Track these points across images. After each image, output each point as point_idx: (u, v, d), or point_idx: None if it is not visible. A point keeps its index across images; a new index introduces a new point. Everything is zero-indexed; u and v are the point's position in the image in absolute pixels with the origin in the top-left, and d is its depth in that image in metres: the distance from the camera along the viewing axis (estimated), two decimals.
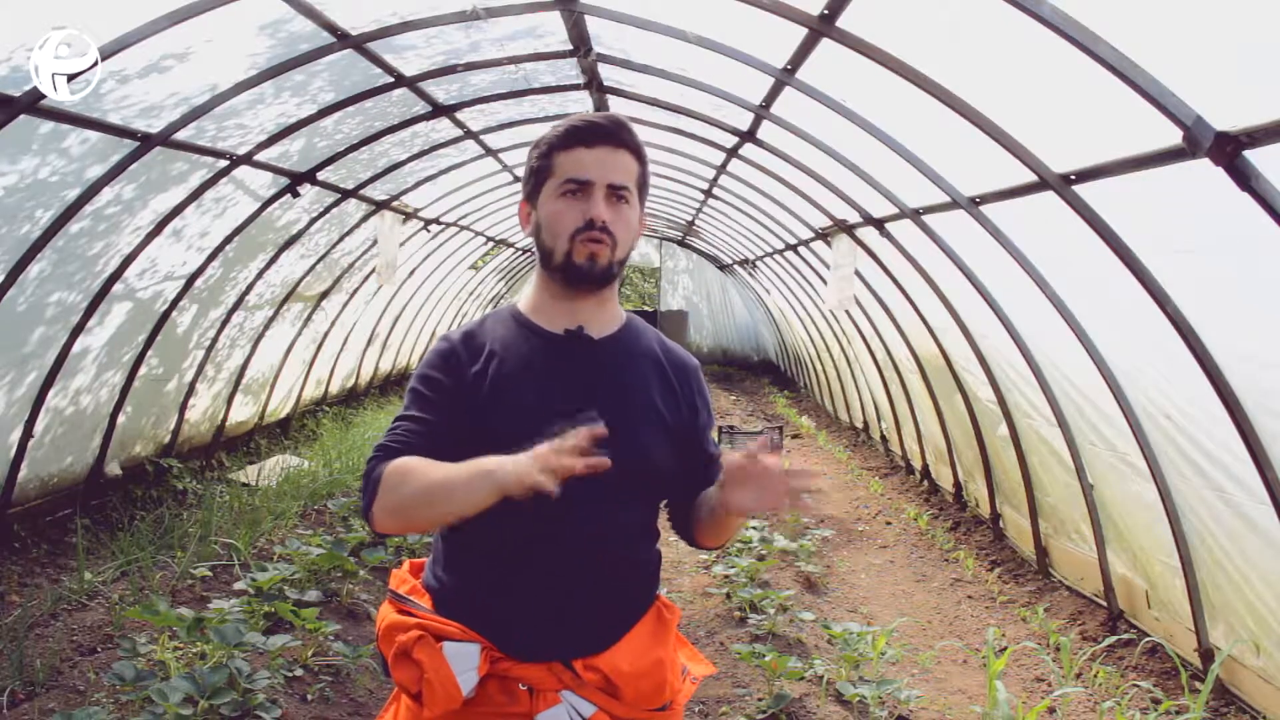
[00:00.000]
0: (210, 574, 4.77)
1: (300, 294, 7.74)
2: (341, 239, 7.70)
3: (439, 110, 6.04)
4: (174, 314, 5.86)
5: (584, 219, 1.57)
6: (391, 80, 5.22)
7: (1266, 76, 2.43)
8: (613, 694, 1.59)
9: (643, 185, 1.66)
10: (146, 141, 4.32)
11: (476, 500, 1.40)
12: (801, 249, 8.86)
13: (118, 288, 5.07)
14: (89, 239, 4.65)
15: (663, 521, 1.77)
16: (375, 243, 7.89)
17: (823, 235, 7.39)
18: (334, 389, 10.26)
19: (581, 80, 5.98)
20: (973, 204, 4.36)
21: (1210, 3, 2.47)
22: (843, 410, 11.47)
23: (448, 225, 10.10)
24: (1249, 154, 2.49)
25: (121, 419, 5.72)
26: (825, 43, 3.89)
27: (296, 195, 6.04)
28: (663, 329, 9.89)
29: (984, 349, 5.48)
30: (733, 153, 6.96)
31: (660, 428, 1.66)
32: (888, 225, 5.88)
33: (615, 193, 1.59)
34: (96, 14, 3.37)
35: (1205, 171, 2.59)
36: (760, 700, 3.84)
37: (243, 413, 7.80)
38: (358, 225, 7.73)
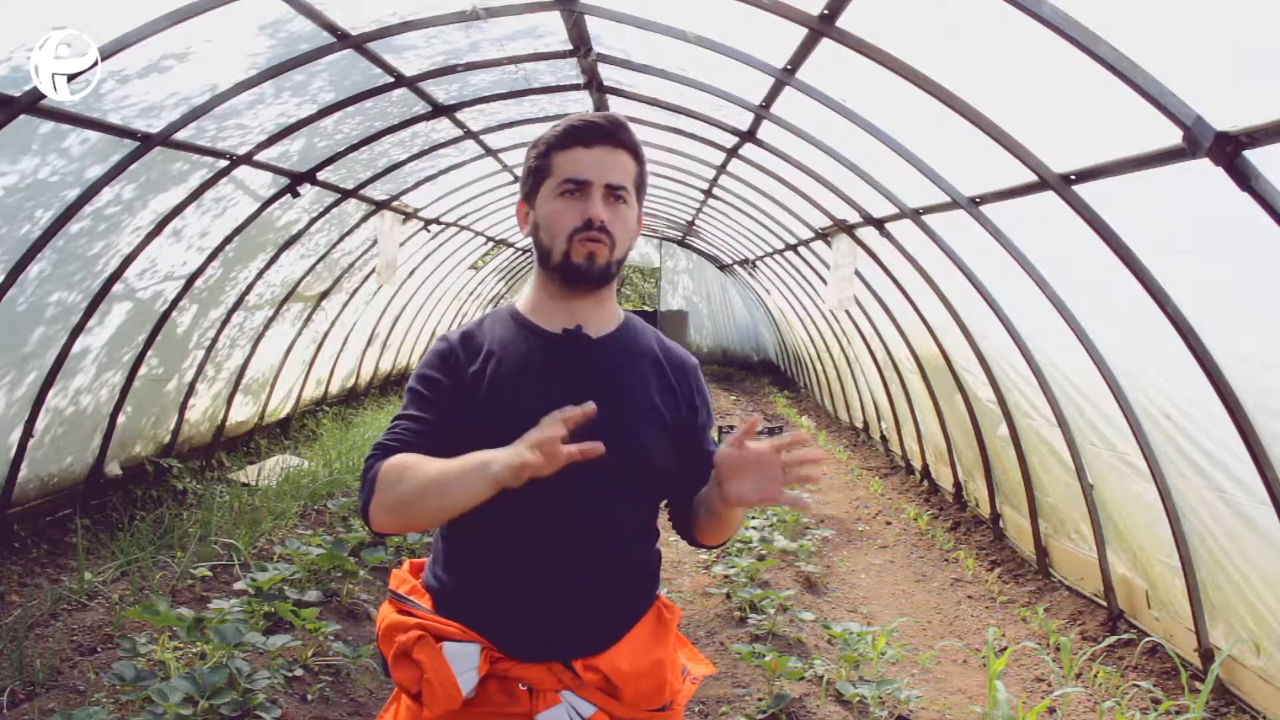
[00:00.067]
0: (210, 574, 4.77)
1: (300, 294, 7.74)
2: (341, 239, 7.70)
3: (439, 110, 6.05)
4: (174, 314, 5.86)
5: (582, 219, 1.57)
6: (391, 80, 5.22)
7: (1266, 76, 2.43)
8: (613, 694, 1.59)
9: (640, 185, 1.66)
10: (146, 141, 4.32)
11: (472, 493, 1.40)
12: (801, 249, 8.86)
13: (118, 288, 5.07)
14: (89, 239, 4.65)
15: (663, 521, 1.77)
16: (375, 243, 7.89)
17: (823, 235, 7.39)
18: (334, 389, 10.26)
19: (581, 80, 5.98)
20: (973, 204, 4.36)
21: (1210, 3, 2.47)
22: (843, 410, 11.47)
23: (448, 225, 10.10)
24: (1249, 154, 2.49)
25: (121, 419, 5.72)
26: (825, 43, 3.89)
27: (296, 195, 6.04)
28: (663, 329, 9.88)
29: (984, 349, 5.48)
30: (733, 153, 6.96)
31: (659, 427, 1.66)
32: (888, 225, 5.88)
33: (613, 192, 1.59)
34: (96, 14, 3.37)
35: (1205, 171, 2.59)
36: (760, 700, 3.84)
37: (243, 413, 7.80)
38: (358, 225, 7.73)
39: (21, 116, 3.54)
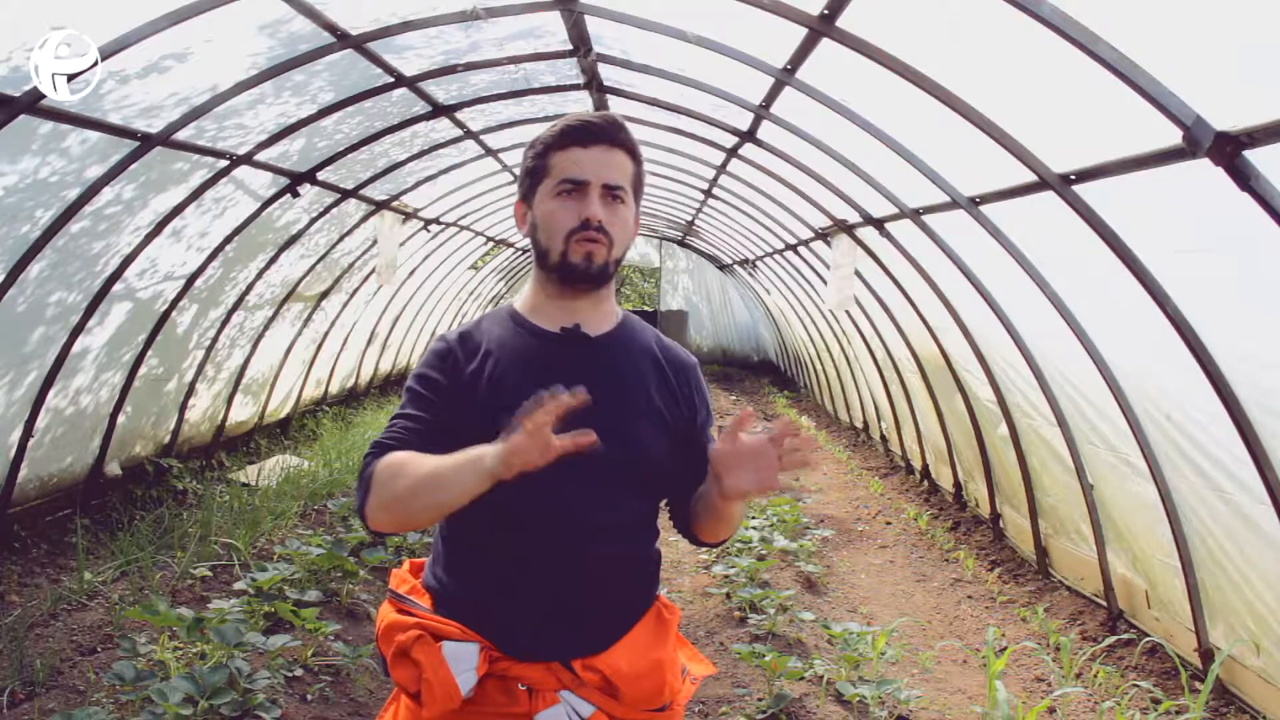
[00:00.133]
0: (210, 574, 4.77)
1: (300, 294, 7.74)
2: (341, 239, 7.70)
3: (439, 110, 6.04)
4: (174, 314, 5.86)
5: (579, 219, 1.57)
6: (391, 80, 5.22)
7: (1266, 76, 2.43)
8: (612, 694, 1.59)
9: (638, 184, 1.66)
10: (146, 141, 4.32)
11: (467, 487, 1.40)
12: (801, 249, 8.86)
13: (118, 288, 5.07)
14: (89, 239, 4.65)
15: (663, 521, 1.77)
16: (375, 243, 7.89)
17: (823, 235, 7.39)
18: (334, 389, 10.26)
19: (581, 80, 5.98)
20: (973, 204, 4.36)
21: (1210, 3, 2.47)
22: (843, 410, 11.47)
23: (448, 225, 10.10)
24: (1249, 154, 2.49)
25: (121, 419, 5.72)
26: (825, 43, 3.89)
27: (296, 195, 6.04)
28: (663, 329, 9.91)
29: (984, 349, 5.48)
30: (733, 153, 6.96)
31: (659, 425, 1.66)
32: (888, 225, 5.88)
33: (611, 192, 1.59)
34: (96, 14, 3.37)
35: (1205, 171, 2.59)
36: (760, 700, 3.84)
37: (243, 413, 7.80)
38: (357, 225, 7.73)
39: (21, 116, 3.54)
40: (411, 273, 10.71)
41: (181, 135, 4.51)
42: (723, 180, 8.45)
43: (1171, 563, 3.97)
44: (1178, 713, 3.72)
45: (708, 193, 9.48)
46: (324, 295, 8.29)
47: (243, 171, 5.39)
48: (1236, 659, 3.70)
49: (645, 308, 22.00)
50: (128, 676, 3.14)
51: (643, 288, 24.66)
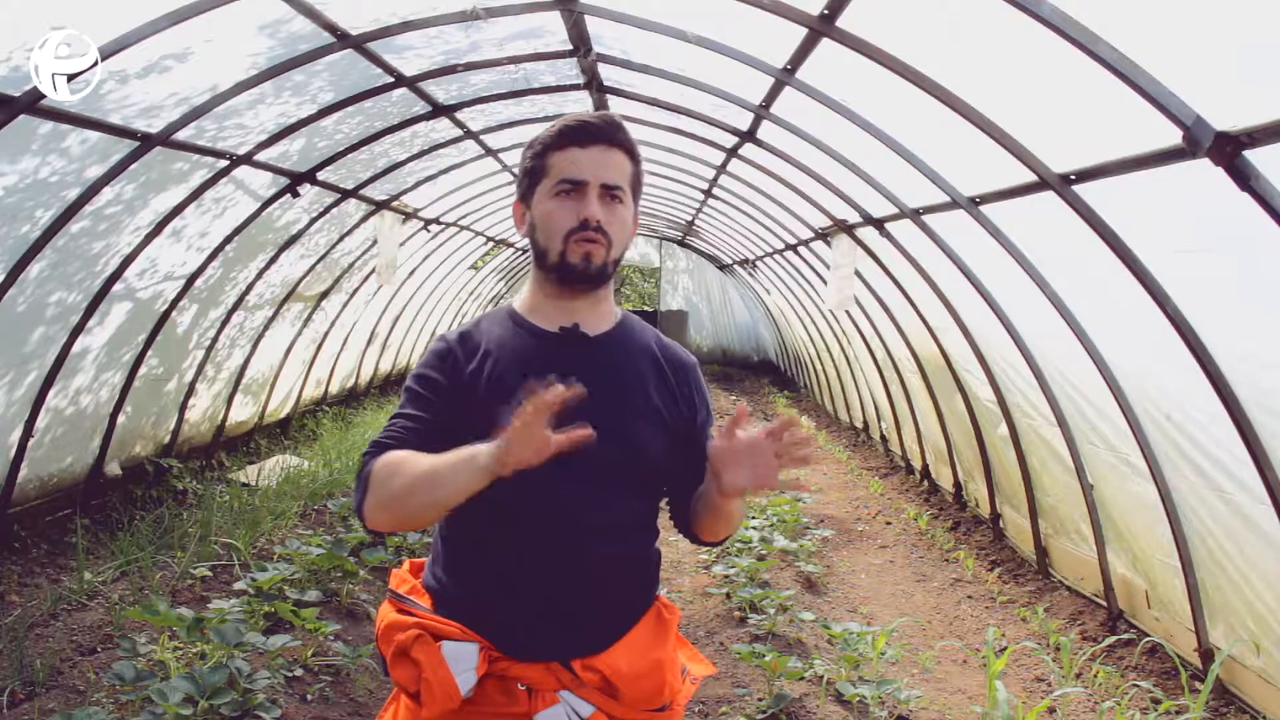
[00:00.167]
0: (210, 574, 4.77)
1: (300, 294, 7.74)
2: (341, 239, 7.70)
3: (439, 110, 6.04)
4: (174, 314, 5.86)
5: (578, 219, 1.57)
6: (391, 80, 5.22)
7: (1266, 76, 2.43)
8: (612, 694, 1.59)
9: (636, 184, 1.66)
10: (146, 141, 4.32)
11: (462, 485, 1.40)
12: (801, 249, 8.86)
13: (118, 288, 5.07)
14: (89, 239, 4.65)
15: (663, 521, 1.77)
16: (375, 243, 7.89)
17: (823, 235, 7.39)
18: (334, 389, 10.27)
19: (581, 80, 5.98)
20: (973, 204, 4.36)
21: (1210, 3, 2.47)
22: (843, 410, 11.47)
23: (448, 225, 10.10)
24: (1249, 154, 2.49)
25: (121, 419, 5.72)
26: (825, 43, 3.89)
27: (296, 195, 6.04)
28: (663, 329, 9.91)
29: (984, 349, 5.48)
30: (733, 153, 6.96)
31: (658, 425, 1.65)
32: (888, 225, 5.88)
33: (609, 192, 1.60)
34: (96, 14, 3.37)
35: (1205, 171, 2.59)
36: (760, 700, 3.83)
37: (243, 413, 7.80)
38: (357, 225, 7.73)
39: (21, 116, 3.54)
40: (411, 273, 10.71)
41: (181, 135, 4.51)
42: (723, 180, 8.45)
43: (1171, 563, 3.97)
44: (1178, 713, 3.72)
45: (708, 193, 9.48)
46: (324, 295, 8.29)
47: (243, 171, 5.39)
48: (1236, 659, 3.70)
49: (645, 308, 21.99)
50: (128, 676, 3.14)
51: (643, 288, 24.66)
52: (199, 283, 5.94)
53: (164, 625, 3.63)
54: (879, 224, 5.95)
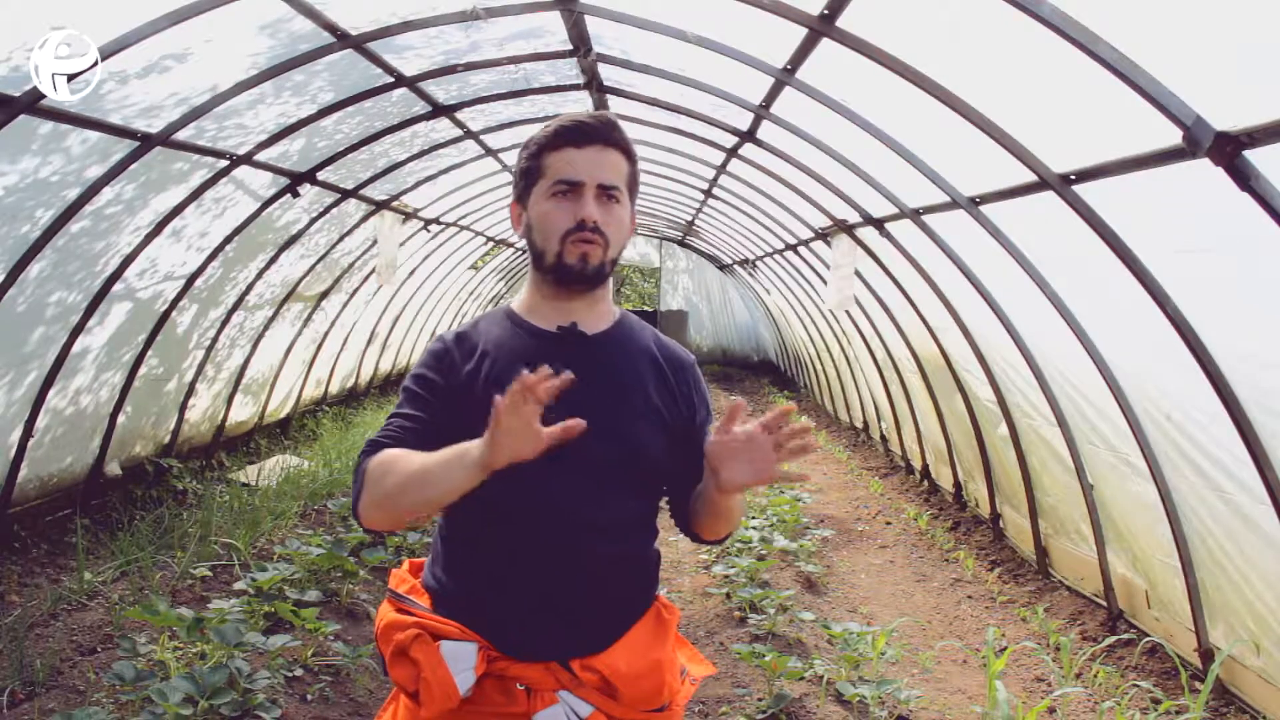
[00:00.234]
0: (210, 574, 4.77)
1: (300, 294, 7.74)
2: (341, 239, 7.70)
3: (439, 110, 6.05)
4: (174, 314, 5.86)
5: (574, 220, 1.57)
6: (391, 80, 5.22)
7: (1266, 76, 2.43)
8: (611, 694, 1.59)
9: (633, 184, 1.66)
10: (146, 141, 4.32)
11: (457, 482, 1.40)
12: (801, 249, 8.86)
13: (118, 287, 5.07)
14: (89, 239, 4.65)
15: (663, 521, 1.77)
16: (375, 243, 7.89)
17: (823, 235, 7.39)
18: (334, 389, 10.27)
19: (581, 80, 5.98)
20: (973, 204, 4.36)
21: (1210, 3, 2.47)
22: (843, 410, 11.47)
23: (448, 225, 10.10)
24: (1249, 154, 2.49)
25: (121, 419, 5.73)
26: (825, 43, 3.89)
27: (296, 195, 6.04)
28: (663, 329, 9.91)
29: (984, 349, 5.48)
30: (733, 153, 6.96)
31: (656, 424, 1.65)
32: (888, 225, 5.88)
33: (606, 193, 1.59)
34: (96, 14, 3.37)
35: (1205, 171, 2.59)
36: (760, 700, 3.83)
37: (243, 413, 7.80)
38: (357, 225, 7.73)
39: (21, 116, 3.54)
40: (411, 273, 10.71)
41: (181, 135, 4.51)
42: (723, 180, 8.45)
43: (1171, 563, 3.97)
44: (1178, 713, 3.72)
45: (708, 193, 9.48)
46: (324, 295, 8.29)
47: (243, 171, 5.39)
48: (1236, 659, 3.70)
49: (645, 308, 22.00)
50: (128, 676, 3.14)
51: (643, 288, 24.66)
52: (199, 283, 5.94)
53: (164, 625, 3.63)
54: (879, 224, 5.95)
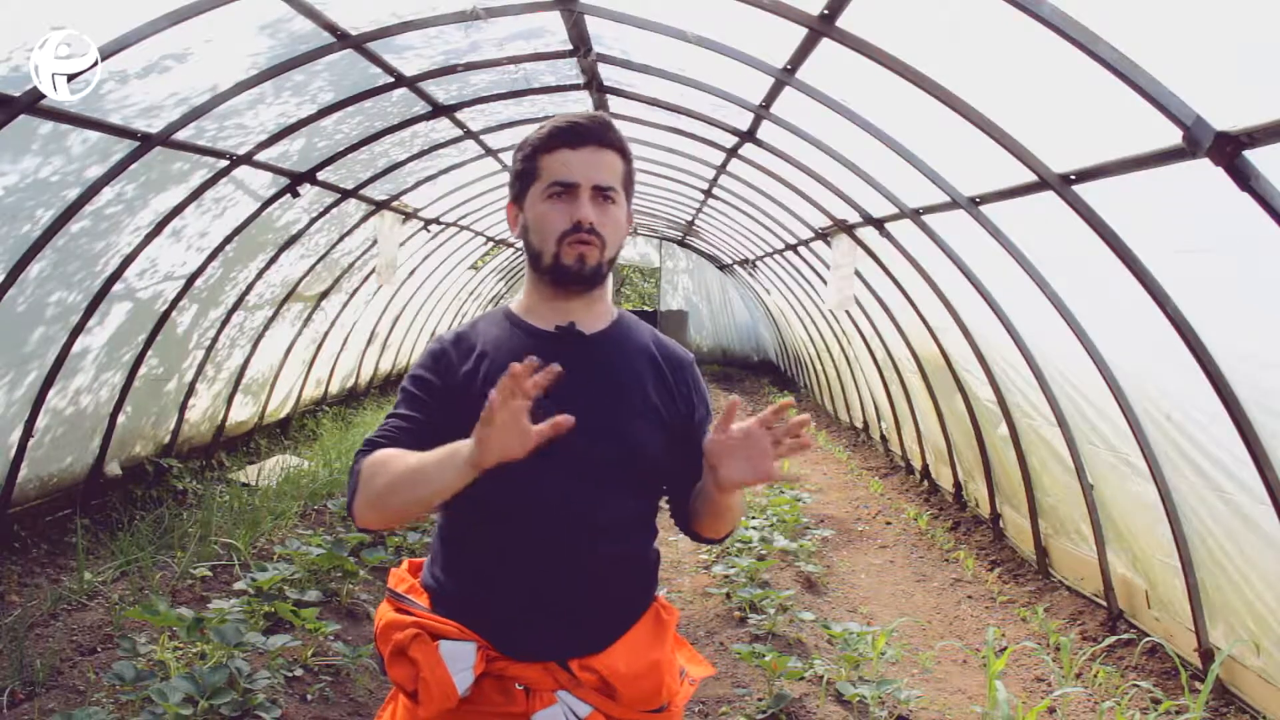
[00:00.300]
0: (210, 574, 4.77)
1: (300, 294, 7.74)
2: (341, 239, 7.70)
3: (439, 110, 6.05)
4: (174, 314, 5.86)
5: (571, 221, 1.57)
6: (391, 80, 5.22)
7: (1266, 76, 2.43)
8: (610, 695, 1.59)
9: (629, 182, 1.66)
10: (146, 141, 4.32)
11: (448, 481, 1.40)
12: (801, 249, 8.86)
13: (118, 287, 5.07)
14: (89, 239, 4.65)
15: (662, 521, 1.77)
16: (375, 243, 7.89)
17: (823, 235, 7.39)
18: (334, 389, 10.27)
19: (581, 80, 5.98)
20: (973, 204, 4.36)
21: (1210, 3, 2.47)
22: (843, 410, 11.47)
23: (448, 225, 10.10)
24: (1249, 154, 2.49)
25: (121, 419, 5.73)
26: (825, 43, 3.89)
27: (296, 195, 6.04)
28: (663, 329, 9.91)
29: (984, 349, 5.48)
30: (733, 153, 6.96)
31: (655, 423, 1.65)
32: (888, 225, 5.88)
33: (601, 193, 1.59)
34: (96, 14, 3.37)
35: (1205, 171, 2.59)
36: (760, 700, 3.83)
37: (243, 413, 7.80)
38: (357, 225, 7.73)
39: (21, 116, 3.54)
40: (411, 273, 10.71)
41: (181, 135, 4.51)
42: (723, 180, 8.45)
43: (1171, 563, 3.97)
44: (1178, 713, 3.72)
45: (708, 193, 9.48)
46: (324, 295, 8.29)
47: (243, 171, 5.39)
48: (1236, 659, 3.70)
49: (645, 308, 22.00)
50: (128, 676, 3.14)
51: (643, 288, 24.66)
52: (199, 283, 5.94)
53: (164, 625, 3.63)
54: (879, 224, 5.95)
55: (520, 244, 1.70)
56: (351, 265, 8.48)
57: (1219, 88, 2.57)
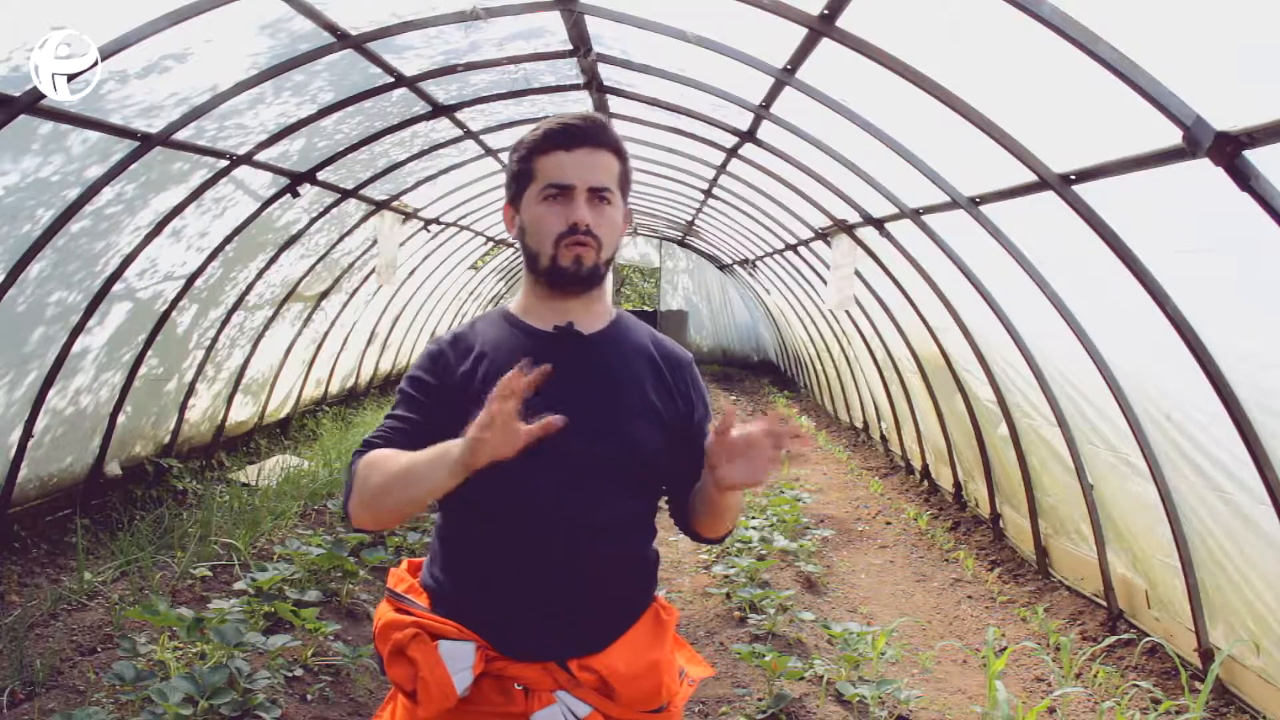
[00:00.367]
0: (210, 574, 4.77)
1: (300, 294, 7.74)
2: (341, 239, 7.70)
3: (439, 110, 6.04)
4: (174, 314, 5.86)
5: (567, 223, 1.57)
6: (391, 80, 5.22)
7: (1266, 76, 2.43)
8: (609, 695, 1.59)
9: (624, 182, 1.66)
10: (146, 141, 4.32)
11: (439, 480, 1.40)
12: (801, 249, 8.86)
13: (118, 287, 5.07)
14: (89, 238, 4.65)
15: (662, 521, 1.77)
16: (375, 243, 7.89)
17: (823, 235, 7.39)
18: (334, 389, 10.27)
19: (581, 80, 5.98)
20: (973, 204, 4.36)
21: (1210, 3, 2.47)
22: (843, 410, 11.47)
23: (447, 225, 10.10)
24: (1249, 154, 2.49)
25: (121, 419, 5.73)
26: (825, 43, 3.89)
27: (296, 195, 6.04)
28: (663, 329, 9.90)
29: (984, 349, 5.48)
30: (733, 153, 6.96)
31: (655, 422, 1.65)
32: (888, 225, 5.88)
33: (597, 194, 1.59)
34: (96, 14, 3.37)
35: (1205, 171, 2.59)
36: (760, 700, 3.83)
37: (243, 413, 7.80)
38: (357, 225, 7.73)
39: (21, 116, 3.54)
40: (411, 273, 10.71)
41: (181, 135, 4.51)
42: (723, 180, 8.44)
43: (1171, 563, 3.97)
44: (1178, 713, 3.72)
45: (708, 193, 9.48)
46: (324, 295, 8.29)
47: (243, 171, 5.39)
48: (1236, 659, 3.70)
49: (645, 308, 22.00)
50: (128, 676, 3.14)
51: (643, 288, 24.66)
52: (199, 283, 5.94)
53: (164, 625, 3.63)
54: (879, 224, 5.95)
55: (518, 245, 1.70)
56: (351, 265, 8.48)
57: (1219, 88, 2.57)
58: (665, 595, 1.81)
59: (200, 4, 3.55)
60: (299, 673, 3.77)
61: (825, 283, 7.83)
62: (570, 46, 5.23)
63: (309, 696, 3.64)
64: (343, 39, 4.41)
